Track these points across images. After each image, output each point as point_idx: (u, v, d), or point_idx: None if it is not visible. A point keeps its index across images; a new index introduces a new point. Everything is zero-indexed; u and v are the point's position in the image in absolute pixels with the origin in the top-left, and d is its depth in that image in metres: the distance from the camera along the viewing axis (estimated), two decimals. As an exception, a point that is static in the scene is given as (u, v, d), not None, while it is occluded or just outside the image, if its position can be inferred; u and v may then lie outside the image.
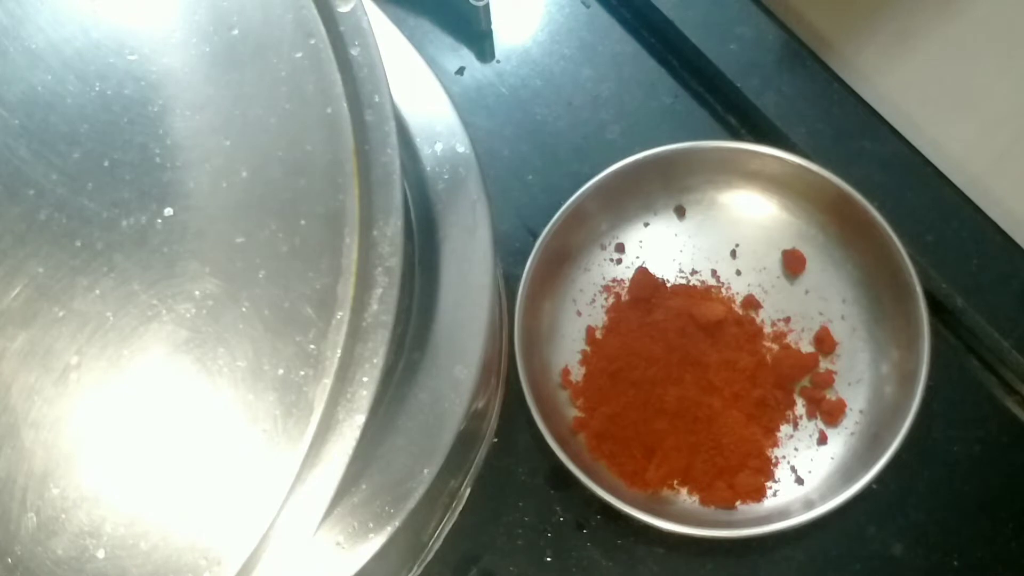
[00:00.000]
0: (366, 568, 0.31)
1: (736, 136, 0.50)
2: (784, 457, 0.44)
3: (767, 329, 0.46)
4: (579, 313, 0.47)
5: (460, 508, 0.43)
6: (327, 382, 0.26)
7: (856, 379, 0.45)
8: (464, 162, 0.35)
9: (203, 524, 0.25)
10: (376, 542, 0.31)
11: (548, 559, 0.44)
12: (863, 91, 0.49)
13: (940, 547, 0.44)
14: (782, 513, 0.42)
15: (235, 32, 0.29)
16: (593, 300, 0.47)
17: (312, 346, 0.26)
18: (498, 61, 0.52)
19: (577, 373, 0.46)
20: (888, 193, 0.46)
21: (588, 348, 0.46)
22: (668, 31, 0.51)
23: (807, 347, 0.46)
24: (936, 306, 0.46)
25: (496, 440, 0.45)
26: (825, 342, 0.45)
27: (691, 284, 0.47)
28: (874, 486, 0.42)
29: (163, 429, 0.26)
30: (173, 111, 0.28)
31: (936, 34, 0.50)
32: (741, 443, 0.43)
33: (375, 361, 0.26)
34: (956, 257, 0.46)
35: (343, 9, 0.29)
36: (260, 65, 0.29)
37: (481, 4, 0.50)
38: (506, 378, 0.44)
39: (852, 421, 0.44)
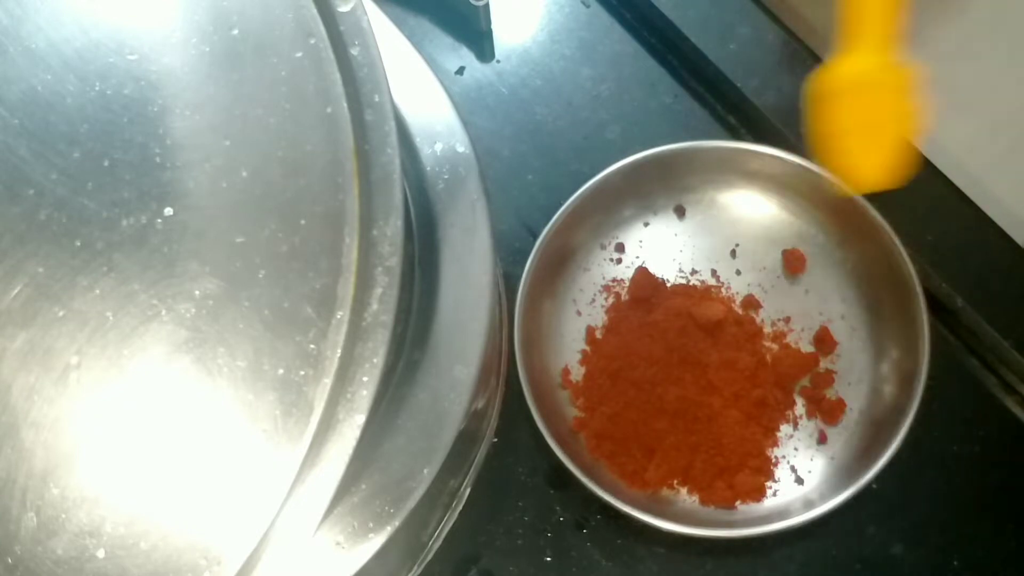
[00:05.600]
0: (366, 568, 0.31)
1: (736, 136, 0.50)
2: (784, 457, 0.44)
3: (767, 329, 0.46)
4: (579, 313, 0.47)
5: (460, 508, 0.43)
6: (327, 382, 0.26)
7: (856, 379, 0.45)
8: (464, 162, 0.35)
9: (203, 524, 0.25)
10: (376, 542, 0.31)
11: (548, 559, 0.44)
12: (863, 91, 0.49)
13: (940, 547, 0.44)
14: (782, 513, 0.42)
15: (235, 32, 0.29)
16: (593, 300, 0.47)
17: (312, 346, 0.26)
18: (498, 61, 0.52)
19: (577, 373, 0.46)
20: (888, 193, 0.46)
21: (588, 348, 0.46)
22: (668, 31, 0.51)
23: (807, 347, 0.46)
24: (936, 306, 0.46)
25: (496, 440, 0.45)
26: (825, 342, 0.45)
27: (691, 284, 0.47)
28: (874, 486, 0.42)
29: (163, 429, 0.26)
30: (173, 111, 0.28)
31: (936, 34, 0.50)
32: (741, 443, 0.43)
33: (375, 361, 0.26)
34: (956, 257, 0.46)
35: (343, 9, 0.29)
36: (260, 65, 0.29)
37: (481, 4, 0.50)
38: (506, 378, 0.44)
39: (852, 421, 0.44)
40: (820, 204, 0.47)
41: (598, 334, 0.46)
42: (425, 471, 0.32)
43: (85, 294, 0.27)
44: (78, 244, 0.27)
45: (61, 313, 0.27)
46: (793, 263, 0.47)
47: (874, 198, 0.45)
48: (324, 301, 0.26)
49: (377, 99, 0.28)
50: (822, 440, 0.44)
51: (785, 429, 0.45)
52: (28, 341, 0.26)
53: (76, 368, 0.26)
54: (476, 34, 0.52)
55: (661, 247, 0.48)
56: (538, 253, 0.45)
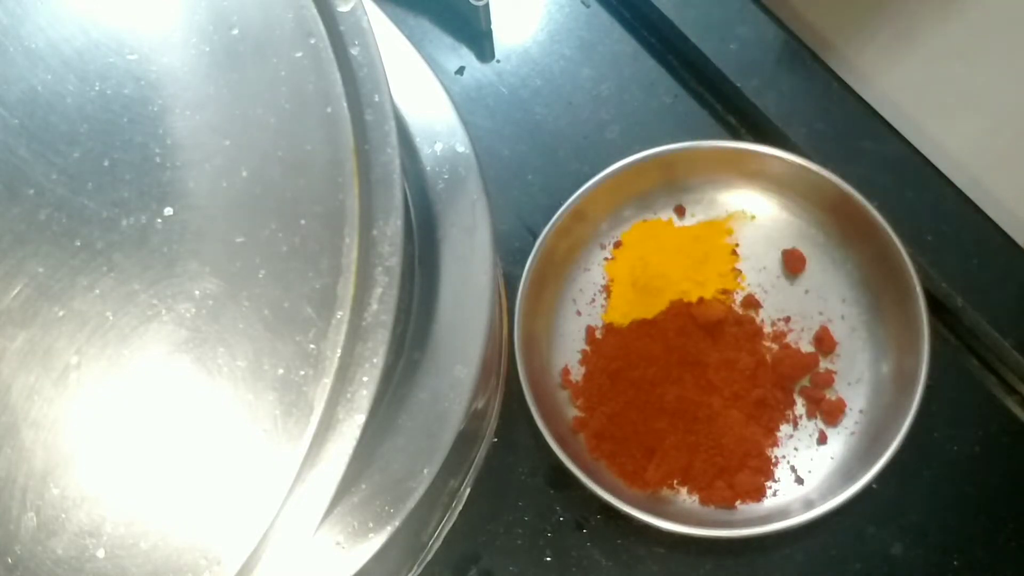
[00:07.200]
0: (366, 568, 0.31)
1: (736, 136, 0.50)
2: (784, 457, 0.44)
3: (767, 329, 0.46)
4: (579, 313, 0.47)
5: (460, 508, 0.43)
6: (327, 382, 0.26)
7: (856, 379, 0.45)
8: (464, 162, 0.35)
9: (203, 524, 0.25)
10: (376, 542, 0.31)
11: (548, 559, 0.44)
12: (863, 91, 0.49)
13: (940, 547, 0.44)
14: (782, 513, 0.42)
15: (235, 32, 0.29)
16: (593, 300, 0.47)
17: (312, 346, 0.26)
18: (498, 61, 0.52)
19: (577, 373, 0.46)
20: (888, 193, 0.46)
21: (588, 348, 0.46)
22: (668, 31, 0.51)
23: (807, 347, 0.46)
24: (936, 306, 0.46)
25: (496, 440, 0.45)
26: (825, 342, 0.45)
27: (691, 284, 0.47)
28: (874, 486, 0.42)
29: (163, 429, 0.26)
30: (173, 111, 0.28)
31: (936, 34, 0.50)
32: (741, 443, 0.43)
33: (375, 361, 0.26)
34: (956, 257, 0.46)
35: (343, 9, 0.29)
36: (260, 65, 0.29)
37: (481, 4, 0.50)
38: (506, 378, 0.44)
39: (852, 421, 0.44)
40: (820, 204, 0.47)
41: (598, 334, 0.46)
42: (425, 471, 0.32)
43: (85, 294, 0.27)
44: (78, 244, 0.27)
45: (61, 313, 0.27)
46: (793, 263, 0.47)
47: (874, 198, 0.45)
48: (324, 301, 0.26)
49: (377, 99, 0.28)
50: (822, 440, 0.44)
51: (785, 429, 0.45)
52: (28, 341, 0.26)
53: (76, 368, 0.26)
54: (476, 34, 0.52)
55: (661, 247, 0.48)
56: (538, 253, 0.45)
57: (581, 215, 0.47)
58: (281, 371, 0.26)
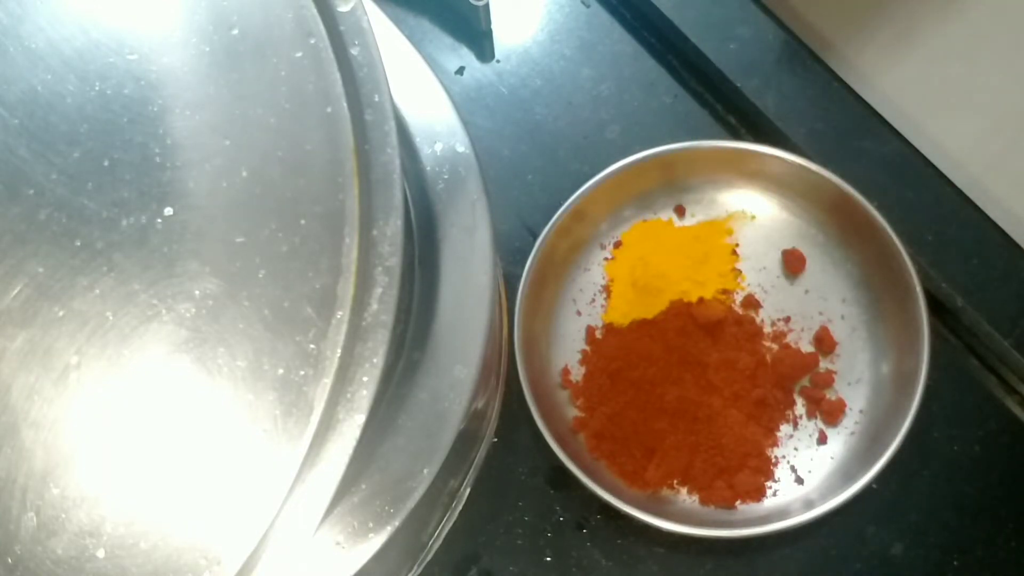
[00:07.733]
0: (366, 568, 0.31)
1: (736, 136, 0.50)
2: (784, 457, 0.44)
3: (767, 329, 0.46)
4: (579, 313, 0.47)
5: (460, 508, 0.43)
6: (327, 382, 0.26)
7: (856, 379, 0.45)
8: (464, 162, 0.35)
9: (203, 524, 0.25)
10: (376, 542, 0.31)
11: (548, 559, 0.44)
12: (863, 91, 0.49)
13: (940, 547, 0.44)
14: (782, 513, 0.42)
15: (235, 32, 0.29)
16: (593, 300, 0.47)
17: (312, 346, 0.26)
18: (498, 61, 0.52)
19: (577, 373, 0.46)
20: (888, 193, 0.46)
21: (588, 348, 0.46)
22: (668, 31, 0.51)
23: (807, 347, 0.46)
24: (936, 306, 0.46)
25: (496, 440, 0.45)
26: (825, 342, 0.45)
27: (691, 284, 0.47)
28: (874, 486, 0.42)
29: (163, 429, 0.26)
30: (173, 110, 0.28)
31: (936, 34, 0.50)
32: (741, 443, 0.43)
33: (375, 361, 0.26)
34: (956, 257, 0.46)
35: (343, 9, 0.29)
36: (260, 65, 0.29)
37: (481, 4, 0.50)
38: (506, 378, 0.44)
39: (852, 421, 0.44)
40: (820, 204, 0.47)
41: (598, 334, 0.46)
42: (425, 471, 0.32)
43: (85, 294, 0.27)
44: (78, 244, 0.27)
45: (61, 313, 0.27)
46: (793, 263, 0.47)
47: (874, 198, 0.45)
48: (324, 301, 0.26)
49: (377, 99, 0.28)
50: (822, 440, 0.44)
51: (785, 429, 0.45)
52: (28, 341, 0.26)
53: (76, 368, 0.26)
54: (476, 34, 0.52)
55: (661, 247, 0.48)
56: (538, 253, 0.45)
57: (581, 215, 0.47)
58: (281, 371, 0.26)
